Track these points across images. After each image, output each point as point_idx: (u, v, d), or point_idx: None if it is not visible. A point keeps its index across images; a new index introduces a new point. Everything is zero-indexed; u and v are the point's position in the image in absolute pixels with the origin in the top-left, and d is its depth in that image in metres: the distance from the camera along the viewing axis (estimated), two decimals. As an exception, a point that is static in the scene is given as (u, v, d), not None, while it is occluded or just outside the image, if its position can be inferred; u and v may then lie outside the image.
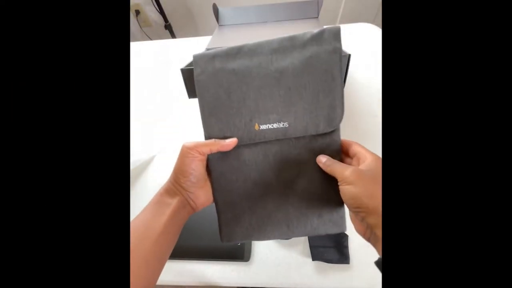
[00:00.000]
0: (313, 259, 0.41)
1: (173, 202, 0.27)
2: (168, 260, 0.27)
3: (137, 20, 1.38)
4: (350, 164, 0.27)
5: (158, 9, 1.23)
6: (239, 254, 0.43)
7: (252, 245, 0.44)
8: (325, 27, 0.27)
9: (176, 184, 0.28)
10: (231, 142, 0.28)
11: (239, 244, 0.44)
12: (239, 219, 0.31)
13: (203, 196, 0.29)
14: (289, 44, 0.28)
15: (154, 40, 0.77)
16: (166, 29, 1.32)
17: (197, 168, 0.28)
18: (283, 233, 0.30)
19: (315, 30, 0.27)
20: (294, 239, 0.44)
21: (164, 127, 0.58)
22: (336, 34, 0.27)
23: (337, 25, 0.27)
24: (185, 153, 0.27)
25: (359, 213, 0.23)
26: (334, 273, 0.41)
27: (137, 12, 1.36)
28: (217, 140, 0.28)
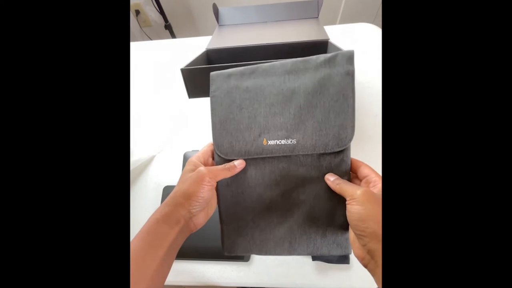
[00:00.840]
0: (313, 259, 0.41)
1: (172, 232, 0.25)
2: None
3: (137, 20, 1.38)
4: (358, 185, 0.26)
5: (158, 9, 1.23)
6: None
7: (252, 245, 0.44)
8: (339, 52, 0.27)
9: (182, 209, 0.26)
10: (240, 165, 0.29)
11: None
12: (242, 231, 0.31)
13: (203, 217, 0.29)
14: (302, 66, 0.28)
15: (154, 40, 0.77)
16: (166, 29, 1.32)
17: (209, 192, 0.28)
18: (285, 249, 0.30)
19: (329, 54, 0.27)
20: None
21: (164, 127, 0.58)
22: (349, 58, 0.27)
23: (350, 49, 0.27)
24: (203, 180, 0.27)
25: (363, 237, 0.22)
26: (334, 273, 0.41)
27: (137, 12, 1.36)
28: (228, 166, 0.29)
